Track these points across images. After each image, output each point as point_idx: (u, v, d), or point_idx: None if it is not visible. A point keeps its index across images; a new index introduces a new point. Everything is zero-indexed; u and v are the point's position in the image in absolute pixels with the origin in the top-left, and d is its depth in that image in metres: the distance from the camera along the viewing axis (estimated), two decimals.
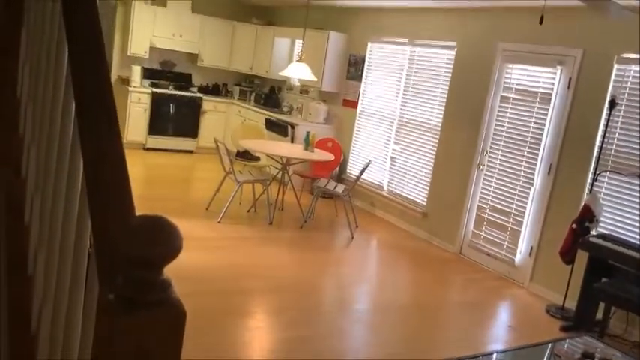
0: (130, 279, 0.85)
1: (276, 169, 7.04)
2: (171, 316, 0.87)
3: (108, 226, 0.98)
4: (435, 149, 6.75)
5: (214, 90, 10.01)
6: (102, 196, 1.04)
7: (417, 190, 7.03)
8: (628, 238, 4.70)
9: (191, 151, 9.54)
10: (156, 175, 7.98)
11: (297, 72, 6.73)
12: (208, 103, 9.58)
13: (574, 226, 4.80)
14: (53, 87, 1.52)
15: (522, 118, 5.74)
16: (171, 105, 9.19)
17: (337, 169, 7.94)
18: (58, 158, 1.40)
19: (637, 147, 4.77)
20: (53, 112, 1.50)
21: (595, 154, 5.05)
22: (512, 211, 5.80)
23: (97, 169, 1.09)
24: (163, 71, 9.53)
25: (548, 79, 5.52)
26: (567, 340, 3.82)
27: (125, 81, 9.08)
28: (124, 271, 0.85)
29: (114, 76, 9.22)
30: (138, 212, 0.97)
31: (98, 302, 0.92)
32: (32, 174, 1.72)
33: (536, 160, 5.57)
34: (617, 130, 4.92)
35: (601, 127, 5.02)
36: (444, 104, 6.66)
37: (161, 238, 0.83)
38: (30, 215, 1.69)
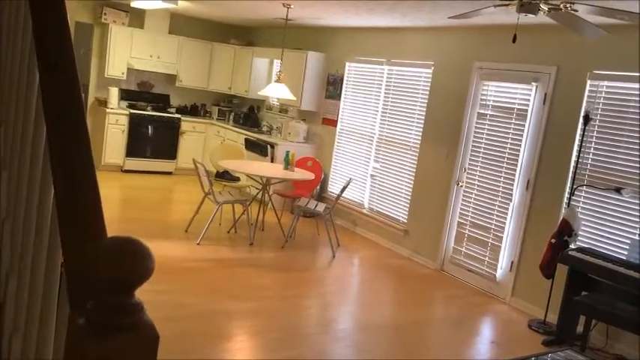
0: (100, 303, 0.83)
1: (257, 189, 7.01)
2: (144, 340, 0.85)
3: (78, 249, 0.95)
4: (415, 166, 6.79)
5: (193, 110, 9.98)
6: (72, 220, 1.02)
7: (397, 208, 7.04)
8: (606, 251, 4.74)
9: (170, 173, 9.47)
10: (134, 197, 7.90)
11: (276, 92, 6.75)
12: (187, 123, 9.55)
13: (553, 240, 4.84)
14: (24, 110, 1.50)
15: (499, 135, 5.81)
16: (149, 126, 9.14)
17: (318, 187, 7.94)
18: (29, 182, 1.38)
19: (612, 161, 4.85)
20: (24, 135, 1.48)
21: (571, 168, 5.11)
22: (492, 226, 5.84)
23: (68, 192, 1.07)
24: (141, 92, 9.49)
25: (524, 95, 5.60)
26: (549, 355, 3.83)
27: (103, 103, 9.02)
28: (94, 294, 0.83)
29: (91, 98, 9.16)
30: (115, 234, 0.95)
31: (68, 327, 0.90)
32: (3, 199, 1.69)
33: (514, 175, 5.63)
34: (592, 145, 4.99)
35: (576, 142, 5.10)
36: (422, 122, 6.72)
37: (132, 260, 0.82)
38: (0, 241, 1.65)
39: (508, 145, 5.71)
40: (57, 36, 1.36)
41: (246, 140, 8.74)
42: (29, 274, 1.28)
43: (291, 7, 6.43)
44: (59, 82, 1.28)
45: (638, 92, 4.70)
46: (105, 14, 8.78)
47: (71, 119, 1.22)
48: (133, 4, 8.43)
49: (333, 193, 7.91)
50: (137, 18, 9.10)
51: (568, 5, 3.39)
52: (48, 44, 1.34)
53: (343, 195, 6.64)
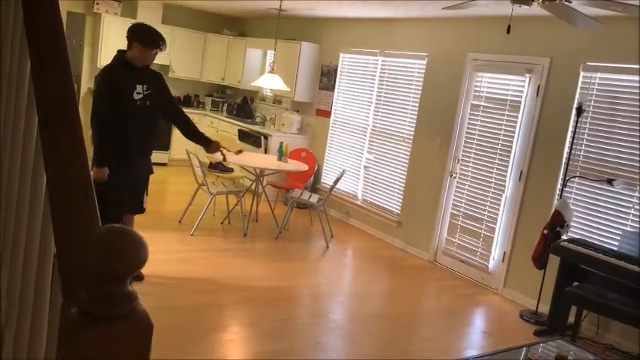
0: (93, 292, 0.83)
1: (250, 180, 7.00)
2: (137, 330, 0.85)
3: (71, 239, 0.95)
4: (408, 158, 6.80)
5: (186, 101, 9.94)
6: (65, 210, 1.01)
7: (391, 199, 7.05)
8: (598, 242, 4.77)
9: (164, 164, 9.44)
10: None
11: (270, 82, 6.73)
12: None
13: (545, 231, 4.86)
14: (15, 100, 1.49)
15: (493, 126, 5.82)
16: None
17: (311, 179, 7.94)
18: (21, 173, 1.37)
19: (604, 152, 4.87)
20: (16, 125, 1.47)
21: (564, 159, 5.13)
22: (485, 217, 5.86)
23: (60, 182, 1.07)
24: None
25: (518, 87, 5.60)
26: (541, 345, 3.85)
27: None
28: (87, 284, 0.83)
29: (84, 88, 9.10)
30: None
31: (61, 317, 0.90)
32: None
33: (507, 166, 5.64)
34: (585, 137, 5.01)
35: (569, 134, 5.11)
36: (415, 113, 6.71)
37: (125, 250, 0.82)
38: None
39: (501, 137, 5.72)
40: (49, 26, 1.35)
41: (240, 131, 8.72)
42: (22, 264, 1.28)
43: None
44: (51, 72, 1.27)
45: (630, 84, 4.72)
46: (97, 4, 8.71)
47: (63, 110, 1.22)
48: None
49: (326, 184, 7.91)
50: (130, 8, 9.04)
51: None
52: (40, 34, 1.33)
53: (337, 186, 6.65)
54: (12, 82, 1.57)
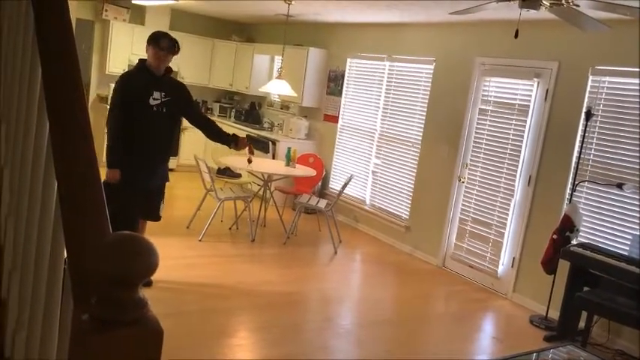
0: (104, 298, 0.83)
1: (258, 185, 7.01)
2: (148, 335, 0.85)
3: (82, 245, 0.96)
4: (416, 163, 6.78)
5: None
6: (76, 216, 1.02)
7: (399, 204, 7.04)
8: (608, 247, 4.74)
9: (172, 169, 9.45)
10: None
11: (277, 88, 6.75)
12: None
13: (555, 236, 4.84)
14: (26, 106, 1.50)
15: (501, 131, 5.80)
16: None
17: (319, 184, 7.94)
18: (32, 178, 1.38)
19: (614, 156, 4.84)
20: (27, 131, 1.48)
21: (573, 164, 5.11)
22: (494, 222, 5.83)
23: (71, 188, 1.07)
24: None
25: (526, 91, 5.59)
26: (551, 350, 3.83)
27: (104, 100, 9.01)
28: (98, 290, 0.83)
29: (92, 94, 9.15)
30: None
31: (72, 323, 0.90)
32: (6, 195, 1.69)
33: (516, 171, 5.62)
34: (594, 141, 4.99)
35: (578, 138, 5.09)
36: (423, 118, 6.71)
37: (135, 256, 0.82)
38: (4, 237, 1.65)
39: (510, 141, 5.70)
40: (59, 33, 1.36)
41: (248, 137, 8.73)
42: (33, 271, 1.28)
43: (292, 3, 6.42)
44: (62, 78, 1.28)
45: (639, 88, 4.69)
46: (106, 10, 8.76)
47: (74, 116, 1.23)
48: (134, 1, 8.42)
49: (334, 189, 7.91)
50: (138, 14, 9.09)
51: (570, 0, 3.38)
52: (50, 41, 1.34)
53: (345, 191, 6.64)
54: (23, 90, 1.58)
